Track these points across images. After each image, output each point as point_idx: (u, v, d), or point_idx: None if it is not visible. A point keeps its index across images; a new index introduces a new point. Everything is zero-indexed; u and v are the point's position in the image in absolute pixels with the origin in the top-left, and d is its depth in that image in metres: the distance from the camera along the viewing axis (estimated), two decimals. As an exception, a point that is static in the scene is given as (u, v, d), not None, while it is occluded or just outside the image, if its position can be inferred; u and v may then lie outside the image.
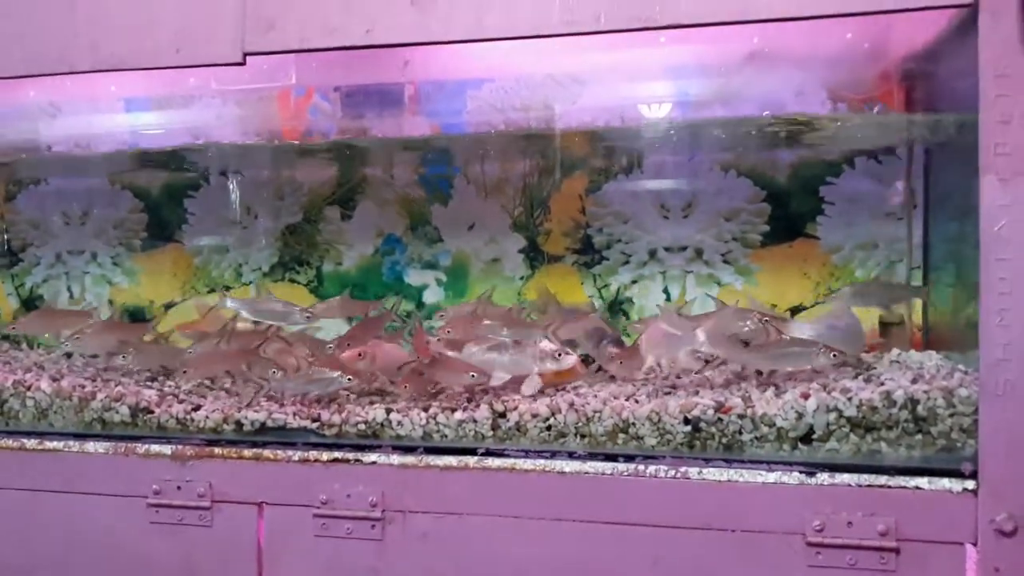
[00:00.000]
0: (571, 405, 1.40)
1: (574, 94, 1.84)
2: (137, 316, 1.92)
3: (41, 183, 2.00)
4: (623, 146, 1.84)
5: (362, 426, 1.48)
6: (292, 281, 1.93)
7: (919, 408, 1.25)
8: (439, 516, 1.38)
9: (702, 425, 1.33)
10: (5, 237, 1.97)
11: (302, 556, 1.43)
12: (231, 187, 1.94)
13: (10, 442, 1.57)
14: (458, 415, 1.45)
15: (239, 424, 1.52)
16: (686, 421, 1.34)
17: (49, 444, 1.56)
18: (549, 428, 1.40)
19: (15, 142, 2.04)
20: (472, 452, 1.41)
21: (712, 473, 1.28)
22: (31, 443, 1.57)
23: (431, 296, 1.90)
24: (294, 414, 1.51)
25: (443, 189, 1.90)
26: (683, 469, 1.30)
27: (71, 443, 1.55)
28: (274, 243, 1.92)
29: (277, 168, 1.95)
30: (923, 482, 1.19)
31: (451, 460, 1.39)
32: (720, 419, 1.33)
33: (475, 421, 1.44)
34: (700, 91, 1.80)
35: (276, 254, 1.93)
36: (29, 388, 1.61)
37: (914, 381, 1.31)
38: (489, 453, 1.39)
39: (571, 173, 1.85)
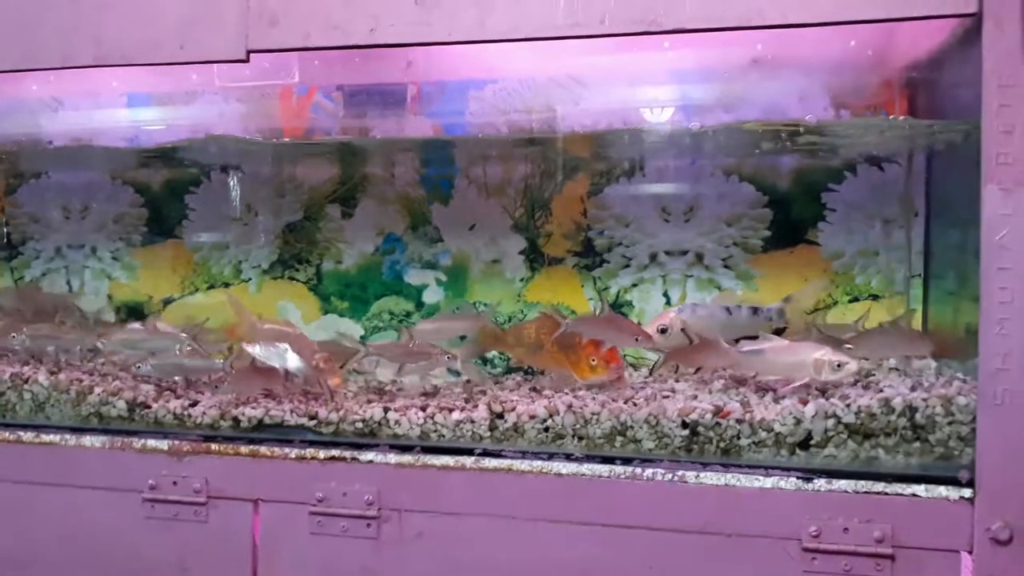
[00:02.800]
0: (569, 407, 1.40)
1: (577, 96, 1.84)
2: (135, 311, 1.92)
3: (42, 177, 2.00)
4: (625, 149, 1.84)
5: (359, 424, 1.48)
6: (292, 279, 1.92)
7: (917, 416, 1.25)
8: (435, 516, 1.38)
9: (700, 429, 1.33)
10: (5, 230, 1.97)
11: (297, 554, 1.43)
12: (232, 184, 1.94)
13: (7, 435, 1.57)
14: (456, 415, 1.45)
15: (236, 420, 1.51)
16: (684, 425, 1.34)
17: (46, 437, 1.56)
18: (547, 430, 1.40)
19: (16, 136, 2.04)
20: (469, 452, 1.41)
21: (709, 477, 1.28)
22: (28, 436, 1.56)
23: (431, 296, 1.90)
24: (291, 411, 1.51)
25: (444, 189, 1.90)
26: (680, 473, 1.30)
27: (68, 437, 1.55)
28: (274, 240, 1.92)
29: (278, 166, 1.95)
30: (920, 489, 1.19)
31: (448, 460, 1.39)
32: (718, 423, 1.33)
33: (473, 421, 1.43)
34: (703, 95, 1.81)
35: (276, 252, 1.93)
36: (27, 381, 1.61)
37: (913, 389, 1.31)
38: (486, 454, 1.39)
39: (573, 175, 1.85)
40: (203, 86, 2.00)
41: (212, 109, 2.01)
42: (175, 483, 1.48)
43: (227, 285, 1.92)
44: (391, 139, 1.91)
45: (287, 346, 1.51)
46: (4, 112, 2.09)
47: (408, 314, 1.90)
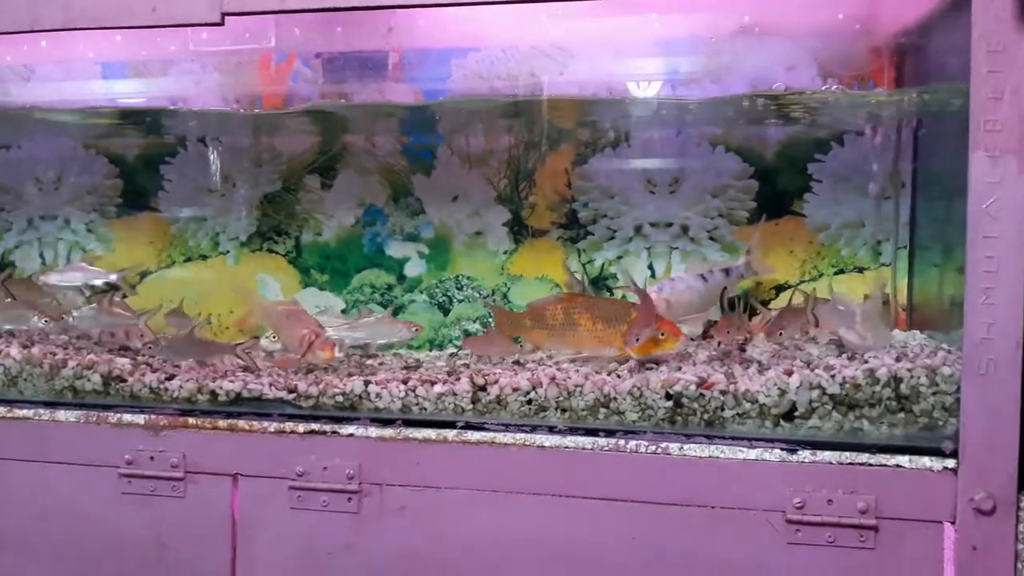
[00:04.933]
0: (552, 379, 1.38)
1: (561, 65, 1.81)
2: (110, 284, 1.87)
3: (12, 147, 1.94)
4: (610, 119, 1.82)
5: (340, 398, 1.45)
6: (270, 251, 1.89)
7: (902, 386, 1.24)
8: (417, 489, 1.36)
9: (684, 401, 1.32)
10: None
11: (277, 529, 1.41)
12: (209, 154, 1.89)
13: (-24, 410, 1.54)
14: (438, 388, 1.43)
15: (214, 394, 1.49)
16: (668, 396, 1.32)
17: (19, 412, 1.52)
18: (530, 402, 1.38)
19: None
20: (451, 425, 1.39)
21: (693, 449, 1.27)
22: (0, 411, 1.53)
23: (413, 269, 1.87)
24: (270, 384, 1.49)
25: (426, 159, 1.86)
26: (664, 445, 1.29)
27: (42, 411, 1.52)
28: (252, 212, 1.88)
29: (256, 135, 1.91)
30: (904, 460, 1.19)
31: (430, 433, 1.37)
32: (702, 395, 1.32)
33: (455, 394, 1.42)
34: (689, 65, 1.78)
35: (254, 223, 1.89)
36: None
37: (898, 359, 1.30)
38: (468, 427, 1.37)
39: (557, 146, 1.82)
40: (179, 53, 1.95)
41: (189, 77, 1.96)
42: (152, 458, 1.46)
43: (204, 258, 1.89)
44: (371, 104, 1.87)
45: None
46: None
47: (390, 287, 1.87)
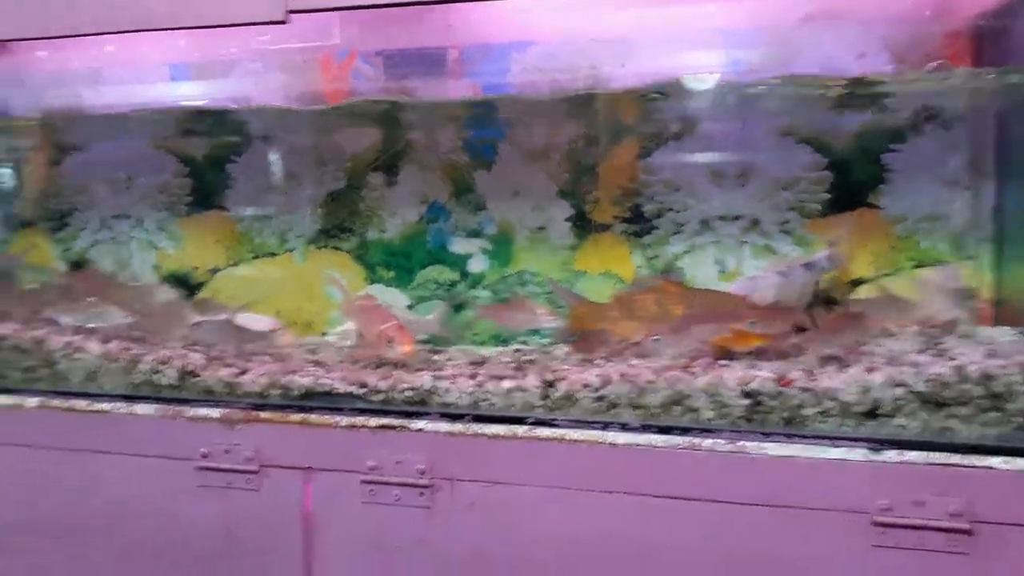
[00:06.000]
0: (623, 375, 1.36)
1: (622, 57, 1.78)
2: (183, 281, 1.91)
3: (86, 148, 2.00)
4: (673, 111, 1.78)
5: (409, 392, 1.46)
6: (336, 248, 1.90)
7: (994, 384, 1.19)
8: (487, 485, 1.35)
9: (762, 398, 1.29)
10: (53, 202, 1.98)
11: (349, 522, 1.42)
12: (273, 152, 1.92)
13: (61, 403, 1.58)
14: (506, 384, 1.42)
15: (285, 389, 1.50)
16: (745, 394, 1.29)
17: (99, 405, 1.56)
18: (600, 399, 1.36)
19: (59, 107, 2.04)
20: (521, 421, 1.38)
21: (772, 448, 1.24)
22: (81, 404, 1.57)
23: (476, 265, 1.86)
24: (341, 379, 1.50)
25: (487, 155, 1.86)
26: (741, 443, 1.26)
27: (120, 405, 1.56)
28: (317, 210, 1.90)
29: (319, 133, 1.92)
30: (997, 461, 1.14)
31: (500, 429, 1.37)
32: (780, 392, 1.28)
33: (523, 390, 1.41)
34: (755, 53, 1.74)
35: (319, 221, 1.90)
36: (78, 350, 1.61)
37: (990, 356, 1.25)
38: (539, 423, 1.36)
39: (620, 139, 1.79)
40: (242, 53, 1.98)
41: (252, 77, 2.00)
42: (227, 451, 1.48)
43: (271, 255, 1.91)
44: (433, 103, 1.88)
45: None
46: (47, 83, 2.09)
47: (453, 283, 1.87)
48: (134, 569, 1.53)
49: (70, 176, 1.98)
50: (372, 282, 1.89)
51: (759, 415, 1.30)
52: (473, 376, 1.46)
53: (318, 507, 1.44)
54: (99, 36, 1.65)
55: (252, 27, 1.58)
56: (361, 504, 1.41)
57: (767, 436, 1.26)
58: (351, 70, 2.00)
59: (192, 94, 2.02)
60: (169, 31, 1.60)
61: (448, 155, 1.87)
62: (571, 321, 1.61)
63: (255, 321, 1.67)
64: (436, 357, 1.67)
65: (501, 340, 1.82)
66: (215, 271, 1.92)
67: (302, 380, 1.50)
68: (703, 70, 1.74)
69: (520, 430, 1.36)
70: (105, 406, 1.56)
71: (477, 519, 1.36)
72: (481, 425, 1.38)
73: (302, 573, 1.45)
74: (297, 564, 1.45)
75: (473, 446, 1.37)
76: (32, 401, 1.60)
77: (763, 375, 1.30)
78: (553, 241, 1.82)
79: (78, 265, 1.94)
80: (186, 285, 1.90)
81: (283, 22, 1.51)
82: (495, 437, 1.36)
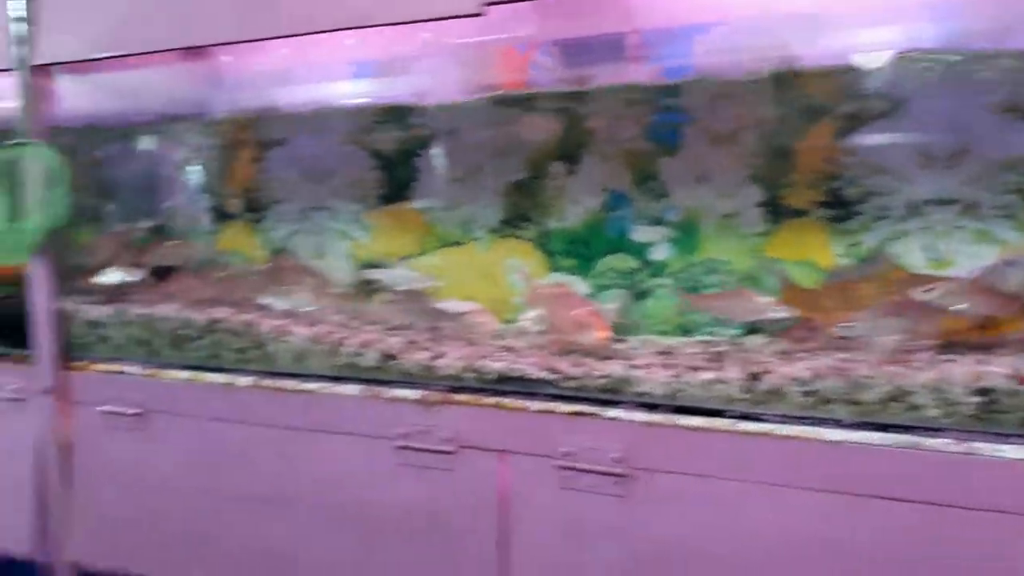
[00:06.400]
0: (837, 370, 1.29)
1: (814, 33, 1.69)
2: (374, 267, 2.00)
3: (284, 145, 2.13)
4: (876, 88, 1.67)
5: (602, 381, 1.45)
6: (518, 237, 1.93)
7: None
8: (687, 477, 1.33)
9: (996, 396, 1.18)
10: (255, 196, 2.12)
11: (543, 507, 1.44)
12: (458, 145, 1.97)
13: (271, 382, 1.70)
14: (705, 375, 1.38)
15: (479, 372, 1.54)
16: (977, 391, 1.19)
17: (305, 385, 1.67)
18: (810, 393, 1.30)
19: (257, 106, 2.19)
20: (720, 414, 1.34)
21: (1009, 451, 1.14)
22: (289, 384, 1.68)
23: (658, 253, 1.83)
24: (533, 364, 1.51)
25: (671, 140, 1.82)
26: (972, 444, 1.16)
27: (325, 385, 1.65)
28: (500, 200, 1.93)
29: (502, 125, 1.95)
30: None
31: (700, 421, 1.34)
32: (1017, 391, 1.17)
33: (724, 382, 1.37)
34: (970, 23, 1.60)
35: (502, 211, 1.93)
36: (285, 333, 1.72)
37: None
38: (744, 416, 1.32)
39: (817, 119, 1.70)
40: (427, 49, 2.05)
41: (436, 72, 2.06)
42: (425, 432, 1.54)
43: (457, 244, 1.96)
44: (613, 89, 1.86)
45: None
46: (243, 83, 2.25)
47: (634, 271, 1.84)
48: (339, 540, 1.62)
49: (270, 171, 2.12)
50: (553, 270, 1.90)
51: (992, 414, 1.19)
52: (667, 366, 1.44)
53: (512, 489, 1.46)
54: (294, 37, 1.75)
55: (438, 23, 1.62)
56: (556, 489, 1.43)
57: (1005, 438, 1.16)
58: (531, 60, 2.02)
59: (377, 91, 2.10)
60: (362, 29, 1.67)
61: (630, 142, 1.84)
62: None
63: (456, 307, 1.72)
64: (619, 346, 1.65)
65: (685, 330, 1.78)
66: (404, 259, 2.00)
67: (495, 365, 1.53)
68: (906, 44, 1.62)
69: (722, 423, 1.32)
70: (311, 386, 1.66)
71: (676, 511, 1.34)
72: (680, 416, 1.36)
73: (497, 552, 1.48)
74: (492, 543, 1.48)
75: (672, 437, 1.35)
76: (244, 380, 1.72)
77: (996, 371, 1.19)
78: (743, 228, 1.76)
79: (278, 254, 2.07)
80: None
81: (478, 15, 1.53)
82: (696, 429, 1.33)
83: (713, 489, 1.31)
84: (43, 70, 1.89)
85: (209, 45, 1.76)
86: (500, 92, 1.97)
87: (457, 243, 1.96)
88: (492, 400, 1.50)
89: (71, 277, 1.98)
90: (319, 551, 1.64)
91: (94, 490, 1.89)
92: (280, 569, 1.68)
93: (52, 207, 1.85)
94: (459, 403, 1.52)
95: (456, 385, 1.55)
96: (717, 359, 1.46)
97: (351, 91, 2.13)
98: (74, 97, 2.01)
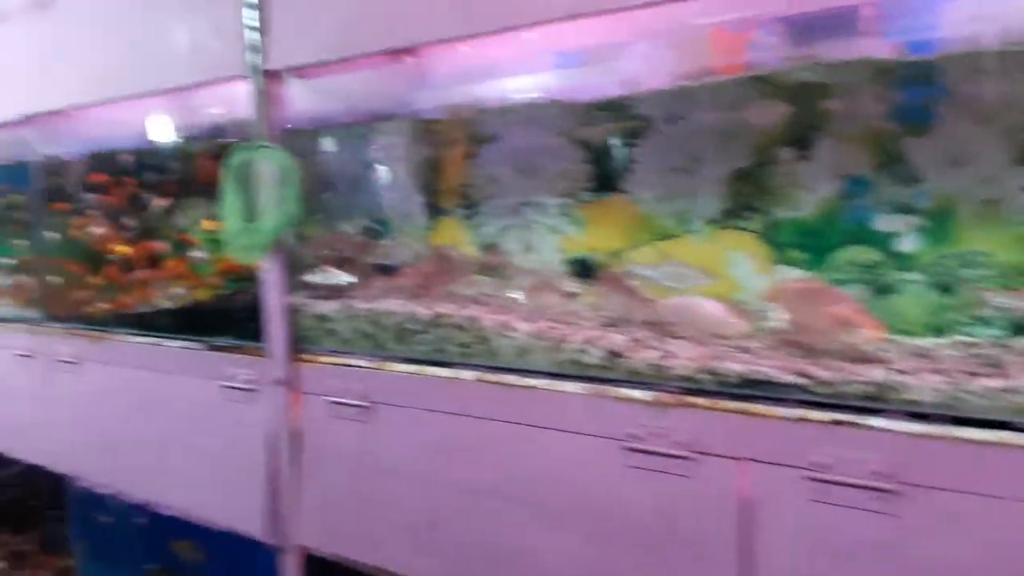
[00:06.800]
0: None
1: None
2: (585, 265, 1.96)
3: (494, 140, 2.13)
4: None
5: (859, 387, 1.33)
6: (741, 229, 1.82)
7: None
8: (969, 497, 1.18)
9: None
10: (467, 192, 2.15)
11: (791, 520, 1.34)
12: (674, 134, 1.88)
13: (494, 376, 1.70)
14: (990, 382, 1.23)
15: (716, 374, 1.46)
16: None
17: (528, 381, 1.65)
18: None
19: (467, 103, 2.20)
20: (1010, 427, 1.19)
21: None
22: (512, 379, 1.68)
23: (904, 244, 1.66)
24: (777, 367, 1.41)
25: (921, 120, 1.64)
26: None
27: (548, 381, 1.63)
28: (721, 189, 1.83)
29: (721, 110, 1.85)
30: None
31: (985, 434, 1.19)
32: None
33: (1015, 391, 1.20)
34: None
35: (723, 201, 1.83)
36: (508, 328, 1.72)
37: None
38: (1043, 430, 1.16)
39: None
40: (631, 35, 1.98)
41: (642, 58, 1.98)
42: (656, 434, 1.48)
43: (671, 237, 1.88)
44: (847, 63, 1.70)
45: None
46: (450, 79, 2.27)
47: (876, 265, 1.68)
48: (564, 539, 1.60)
49: (482, 167, 2.13)
50: (779, 263, 1.78)
51: None
52: (937, 371, 1.29)
53: (755, 500, 1.37)
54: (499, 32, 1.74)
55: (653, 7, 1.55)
56: (806, 501, 1.32)
57: None
58: (750, 40, 1.89)
59: (584, 81, 2.06)
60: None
61: (872, 123, 1.68)
62: None
63: (683, 303, 1.65)
64: (869, 347, 1.51)
65: (937, 329, 1.61)
66: (615, 254, 1.94)
67: (735, 367, 1.44)
68: None
69: (1013, 437, 1.17)
70: (534, 382, 1.64)
71: (958, 535, 1.19)
72: (959, 428, 1.21)
73: (738, 565, 1.39)
74: (732, 554, 1.40)
75: (949, 451, 1.21)
76: (468, 374, 1.73)
77: None
78: (1008, 216, 1.56)
79: (489, 249, 2.08)
80: (589, 269, 1.95)
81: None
82: (981, 443, 1.18)
83: (1001, 510, 1.16)
84: (274, 75, 1.99)
85: (434, 43, 1.78)
86: (722, 76, 1.87)
87: (672, 236, 1.88)
88: (733, 404, 1.41)
89: (299, 273, 2.08)
90: (544, 548, 1.63)
91: (322, 477, 1.99)
92: (506, 564, 1.68)
93: (285, 207, 1.95)
94: (695, 406, 1.44)
95: (691, 387, 1.48)
96: (994, 363, 1.30)
97: (557, 82, 2.09)
98: (298, 100, 2.11)
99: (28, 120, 2.69)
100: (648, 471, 1.49)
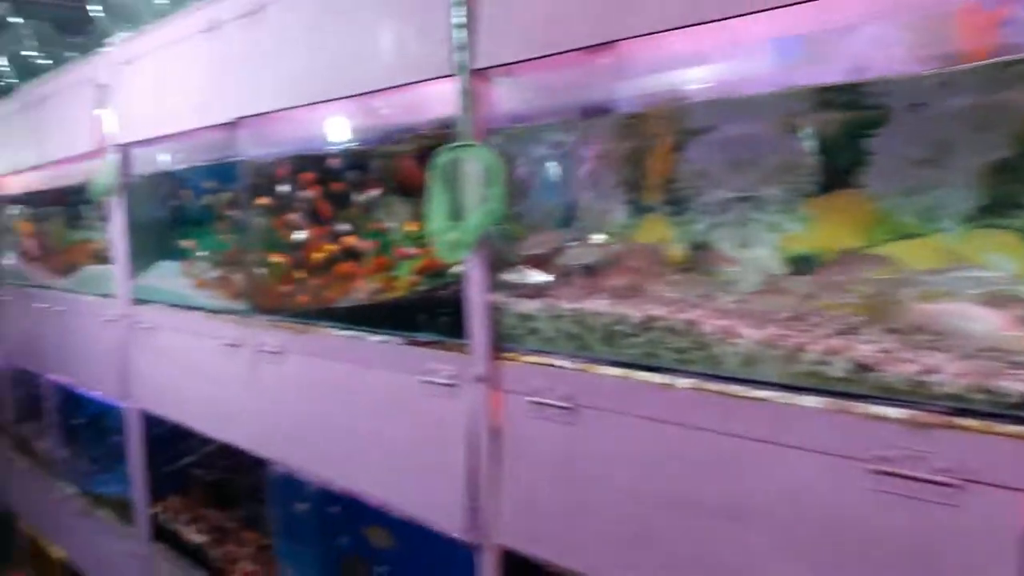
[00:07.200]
0: None
1: None
2: (808, 262, 1.82)
3: (706, 132, 2.03)
4: None
5: None
6: (1000, 227, 1.61)
7: None
8: None
9: None
10: (672, 187, 2.06)
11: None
12: (919, 123, 1.70)
13: (714, 386, 1.60)
14: None
15: (994, 393, 1.29)
16: None
17: (756, 393, 1.54)
18: None
19: (672, 95, 2.10)
20: None
21: None
22: (736, 389, 1.57)
23: None
24: (1073, 390, 1.23)
25: None
26: None
27: (779, 394, 1.51)
28: (975, 183, 1.63)
29: (977, 96, 1.65)
30: None
31: None
32: None
33: None
34: None
35: (977, 195, 1.63)
36: (732, 334, 1.61)
37: None
38: None
39: None
40: (859, 17, 1.81)
41: (872, 42, 1.80)
42: (916, 458, 1.33)
43: (913, 235, 1.71)
44: None
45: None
46: (652, 70, 2.18)
47: None
48: (793, 567, 1.48)
49: (689, 161, 2.03)
50: (1049, 268, 1.56)
51: None
52: None
53: (1051, 541, 1.20)
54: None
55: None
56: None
57: None
58: (1003, 18, 1.67)
59: (806, 68, 1.91)
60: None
61: None
62: None
63: (948, 311, 1.48)
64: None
65: None
66: (845, 253, 1.79)
67: (1016, 386, 1.27)
68: None
69: None
70: (763, 394, 1.53)
71: None
72: None
73: (1018, 613, 1.23)
74: (1010, 601, 1.23)
75: None
76: (684, 382, 1.64)
77: None
78: None
79: (700, 248, 1.98)
80: (812, 266, 1.80)
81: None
82: None
83: None
84: (481, 74, 1.99)
85: (650, 34, 1.70)
86: (955, 61, 1.67)
87: (914, 235, 1.70)
88: (1013, 428, 1.24)
89: (501, 271, 2.07)
90: (770, 572, 1.52)
91: (522, 477, 1.96)
92: (727, 585, 1.58)
93: (490, 206, 1.94)
94: (964, 428, 1.28)
95: (958, 407, 1.32)
96: None
97: (775, 71, 1.95)
98: (504, 99, 2.09)
99: (238, 122, 2.86)
100: (902, 497, 1.34)
